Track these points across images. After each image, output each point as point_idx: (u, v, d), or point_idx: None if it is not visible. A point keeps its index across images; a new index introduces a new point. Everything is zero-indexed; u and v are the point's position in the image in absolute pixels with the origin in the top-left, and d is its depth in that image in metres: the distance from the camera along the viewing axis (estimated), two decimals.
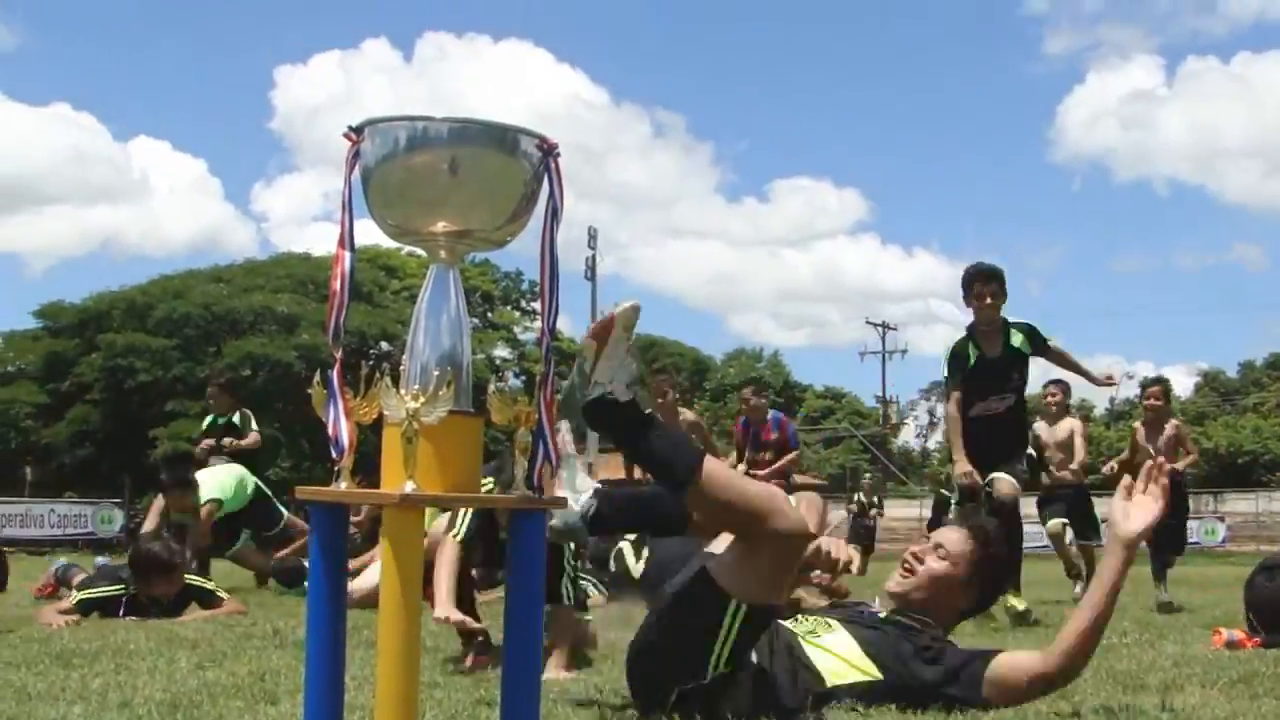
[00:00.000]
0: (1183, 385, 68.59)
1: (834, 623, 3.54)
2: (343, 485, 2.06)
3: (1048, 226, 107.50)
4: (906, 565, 3.69)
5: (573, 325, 48.09)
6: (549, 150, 2.11)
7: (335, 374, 2.05)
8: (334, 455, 2.04)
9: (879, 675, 3.37)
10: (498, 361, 50.01)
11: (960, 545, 3.69)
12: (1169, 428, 9.76)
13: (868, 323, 67.57)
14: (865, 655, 3.41)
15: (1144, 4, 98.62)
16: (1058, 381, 10.66)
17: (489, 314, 54.65)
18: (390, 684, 1.93)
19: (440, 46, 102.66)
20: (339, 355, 2.06)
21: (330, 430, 2.04)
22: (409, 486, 1.94)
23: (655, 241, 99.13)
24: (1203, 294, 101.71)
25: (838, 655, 3.40)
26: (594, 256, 41.58)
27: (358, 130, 2.07)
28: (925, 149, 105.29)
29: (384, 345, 37.21)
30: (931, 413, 74.46)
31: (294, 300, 40.87)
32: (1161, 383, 10.35)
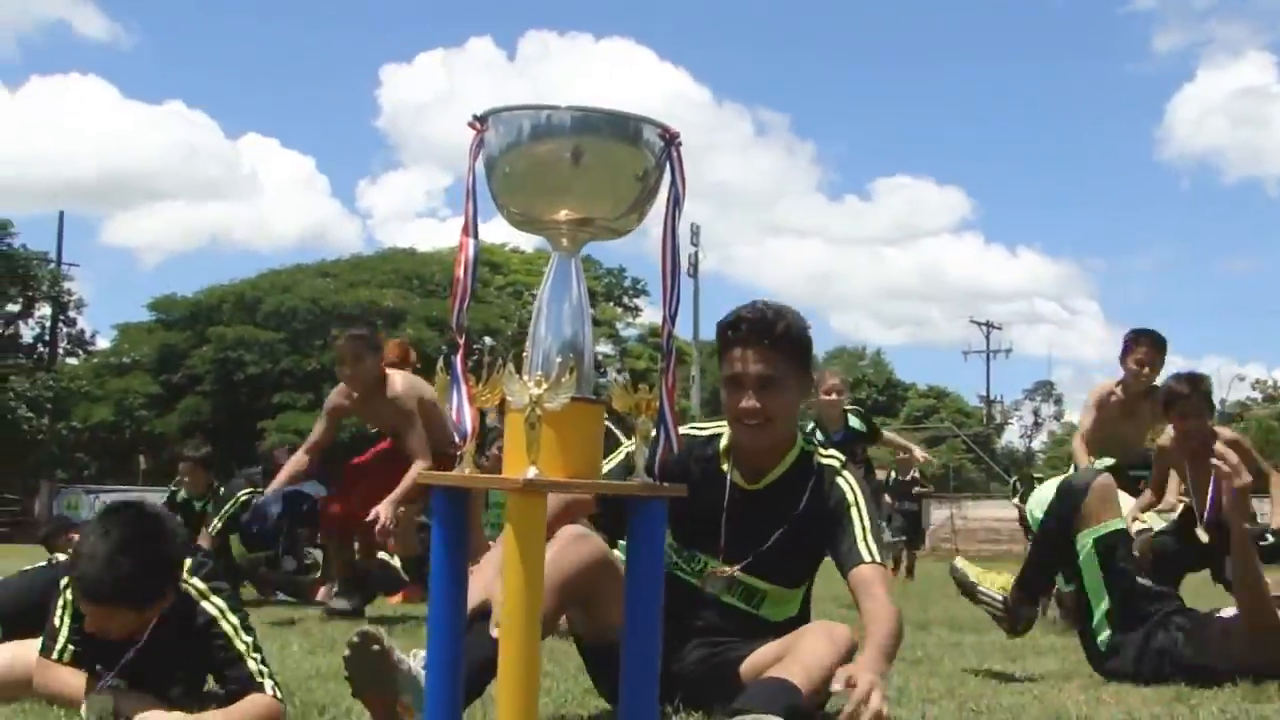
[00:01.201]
0: None
1: None
2: (465, 470, 2.08)
3: (1155, 226, 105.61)
4: None
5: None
6: (671, 139, 2.11)
7: (459, 360, 2.07)
8: (457, 440, 2.06)
9: None
10: (600, 358, 50.23)
11: None
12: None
13: (971, 322, 67.00)
14: None
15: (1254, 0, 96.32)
16: None
17: (591, 310, 54.90)
18: (512, 671, 1.94)
19: (543, 44, 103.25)
20: (463, 341, 2.08)
21: (454, 416, 2.06)
22: (531, 472, 1.95)
23: (756, 240, 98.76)
24: None
25: None
26: (697, 253, 41.64)
27: (482, 119, 2.09)
28: (1030, 147, 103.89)
29: (487, 340, 37.51)
30: (1036, 413, 73.48)
31: (399, 295, 41.35)
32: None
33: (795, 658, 2.95)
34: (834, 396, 8.07)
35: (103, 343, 43.96)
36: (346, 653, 2.72)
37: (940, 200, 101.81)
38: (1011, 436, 72.55)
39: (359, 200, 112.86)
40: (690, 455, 3.30)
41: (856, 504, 3.25)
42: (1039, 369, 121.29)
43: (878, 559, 3.17)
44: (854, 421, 8.30)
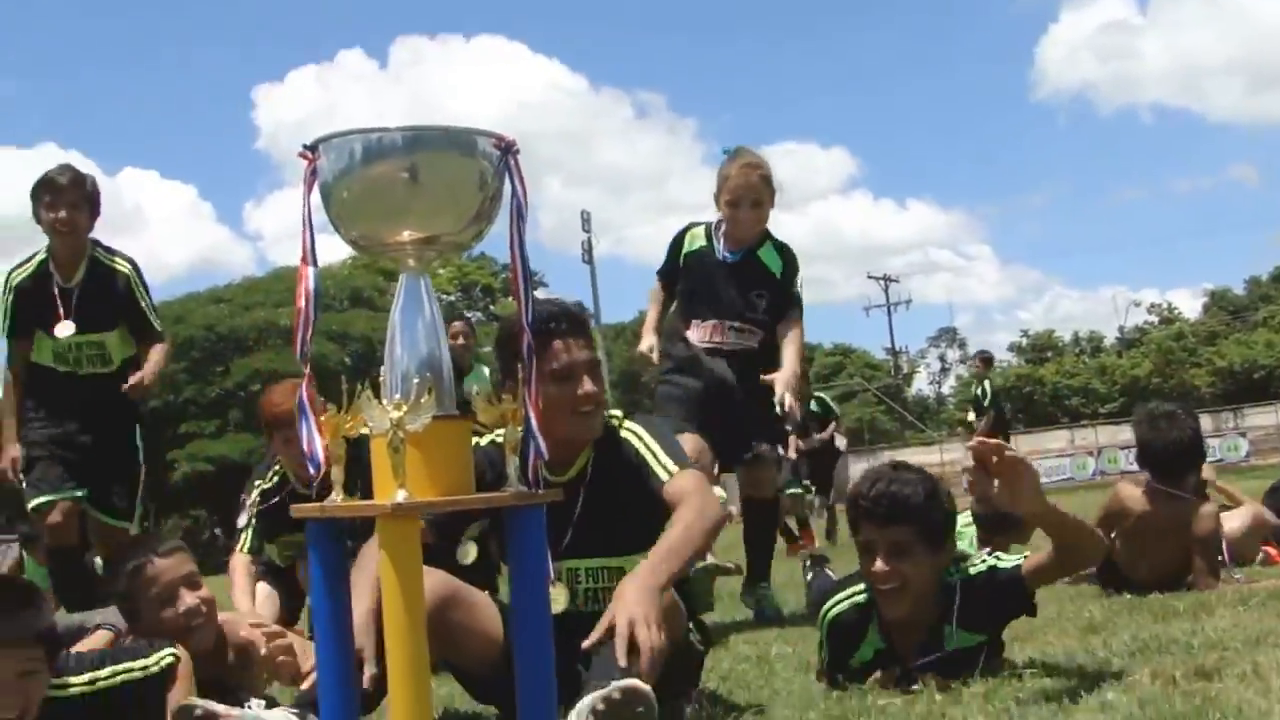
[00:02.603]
0: (1190, 307, 68.66)
1: None
2: (337, 499, 2.06)
3: (1039, 165, 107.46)
4: None
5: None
6: (507, 148, 2.11)
7: (304, 390, 2.05)
8: (310, 472, 2.05)
9: None
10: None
11: None
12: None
13: (869, 277, 67.63)
14: None
15: None
16: None
17: (491, 307, 54.69)
18: (402, 699, 1.93)
19: (415, 50, 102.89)
20: (308, 372, 2.06)
21: (305, 447, 2.04)
22: (400, 495, 1.95)
23: (650, 219, 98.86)
24: (1201, 216, 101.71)
25: None
26: (590, 239, 41.64)
27: (312, 148, 2.07)
28: (908, 101, 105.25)
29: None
30: (942, 358, 74.45)
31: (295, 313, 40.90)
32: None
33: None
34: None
35: None
36: None
37: (825, 161, 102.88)
38: (921, 384, 73.57)
39: (247, 224, 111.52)
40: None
41: (641, 439, 3.21)
42: (940, 316, 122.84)
43: (675, 469, 3.14)
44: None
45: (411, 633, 1.94)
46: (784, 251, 5.59)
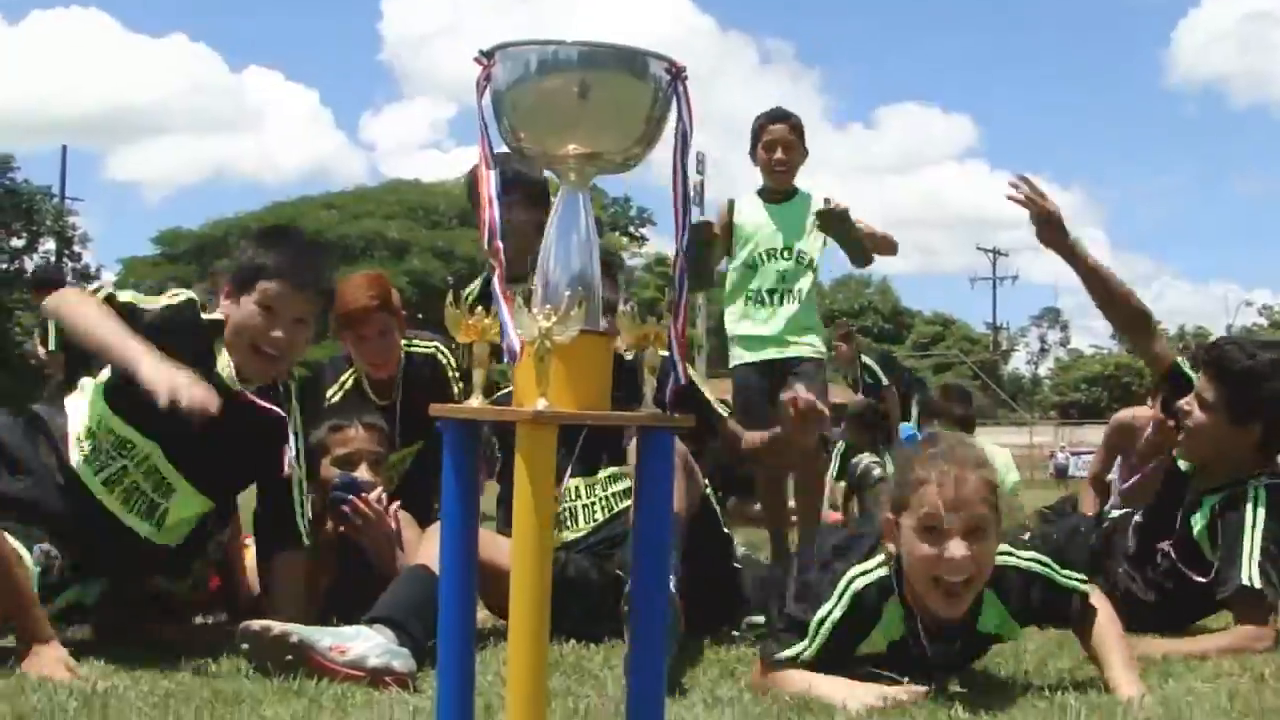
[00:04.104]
0: None
1: None
2: (475, 402, 2.10)
3: (1162, 152, 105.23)
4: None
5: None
6: (677, 74, 2.12)
7: (497, 280, 2.06)
8: (506, 361, 2.06)
9: None
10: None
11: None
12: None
13: (978, 249, 66.82)
14: None
15: None
16: None
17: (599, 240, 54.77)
18: (522, 618, 1.96)
19: None
20: (500, 262, 2.07)
21: (503, 336, 2.04)
22: (541, 403, 1.98)
23: None
24: None
25: None
26: (703, 182, 41.43)
27: (488, 55, 2.10)
28: (1038, 75, 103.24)
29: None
30: (1043, 339, 73.47)
31: (404, 226, 41.33)
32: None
33: None
34: None
35: (108, 277, 44.01)
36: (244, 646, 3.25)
37: (945, 127, 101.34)
38: (1018, 363, 72.72)
39: (363, 133, 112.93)
40: None
41: None
42: (1045, 295, 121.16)
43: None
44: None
45: (539, 543, 1.97)
46: None
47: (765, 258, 6.01)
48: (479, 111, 2.09)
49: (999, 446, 9.20)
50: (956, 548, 2.89)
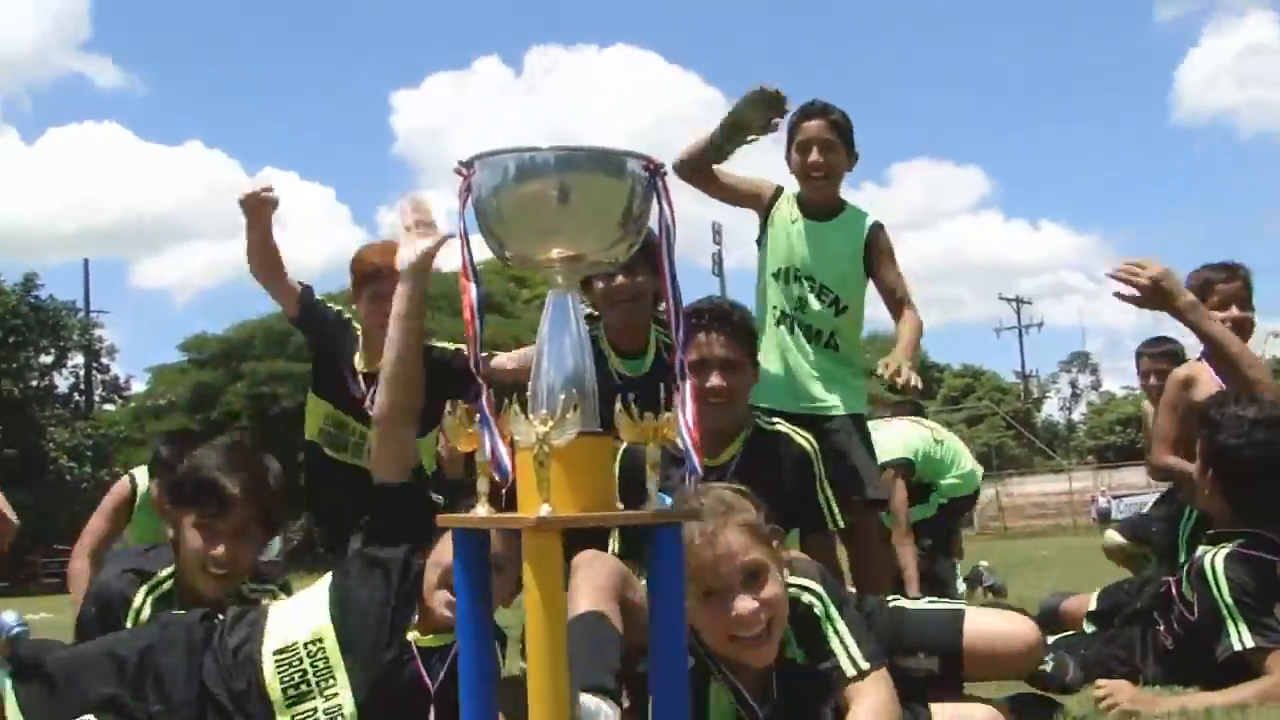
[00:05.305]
0: None
1: None
2: (482, 511, 2.10)
3: (1175, 189, 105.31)
4: None
5: None
6: (655, 170, 2.14)
7: (485, 402, 2.08)
8: (498, 479, 2.07)
9: None
10: None
11: None
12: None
13: (1000, 298, 66.68)
14: None
15: None
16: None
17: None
18: (542, 706, 1.96)
19: (550, 59, 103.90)
20: (487, 386, 2.09)
21: (490, 457, 2.06)
22: (545, 509, 1.97)
23: None
24: None
25: None
26: (720, 252, 41.70)
27: (468, 165, 2.12)
28: (1046, 122, 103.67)
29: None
30: (1074, 384, 72.99)
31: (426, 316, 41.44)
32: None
33: None
34: None
35: (138, 386, 44.26)
36: None
37: (958, 181, 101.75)
38: (1051, 409, 72.17)
39: (381, 227, 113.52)
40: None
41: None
42: (1072, 340, 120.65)
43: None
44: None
45: (552, 644, 1.96)
46: None
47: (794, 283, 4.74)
48: (460, 220, 2.10)
49: (919, 424, 8.38)
50: (743, 604, 2.77)
